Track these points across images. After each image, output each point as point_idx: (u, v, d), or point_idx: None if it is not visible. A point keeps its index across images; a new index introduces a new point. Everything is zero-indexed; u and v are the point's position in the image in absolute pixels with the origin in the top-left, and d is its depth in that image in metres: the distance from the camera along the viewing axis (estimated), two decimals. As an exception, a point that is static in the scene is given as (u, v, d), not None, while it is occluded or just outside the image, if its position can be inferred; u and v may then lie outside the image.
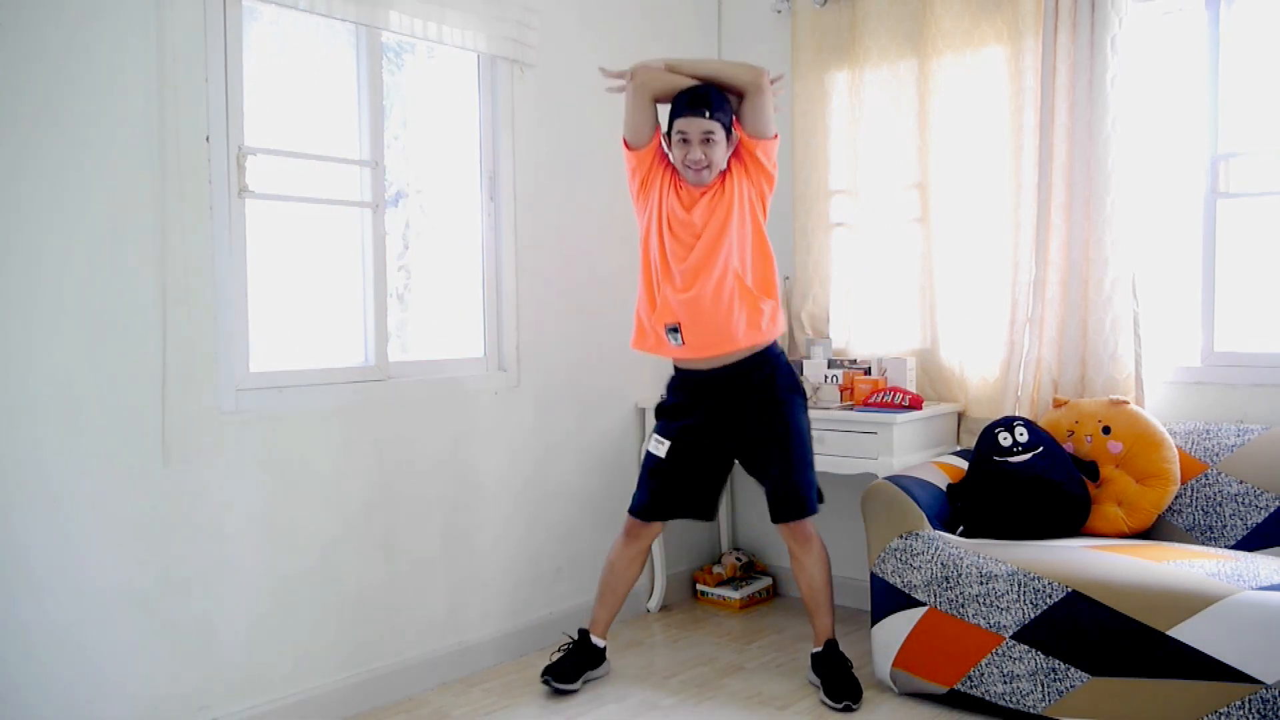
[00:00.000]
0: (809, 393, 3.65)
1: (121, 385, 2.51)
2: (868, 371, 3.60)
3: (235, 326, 2.73)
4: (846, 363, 3.65)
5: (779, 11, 4.03)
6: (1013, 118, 3.46)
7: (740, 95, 2.97)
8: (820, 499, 3.08)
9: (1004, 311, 3.50)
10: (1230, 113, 3.24)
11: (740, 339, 2.96)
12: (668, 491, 3.12)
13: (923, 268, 3.70)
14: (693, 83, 2.97)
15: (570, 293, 3.66)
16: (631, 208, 3.12)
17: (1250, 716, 2.37)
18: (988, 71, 3.51)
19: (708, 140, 2.91)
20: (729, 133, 2.96)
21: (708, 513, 3.21)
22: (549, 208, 3.56)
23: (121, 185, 2.50)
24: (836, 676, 3.02)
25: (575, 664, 3.14)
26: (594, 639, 3.20)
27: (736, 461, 3.16)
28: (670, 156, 3.02)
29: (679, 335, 2.97)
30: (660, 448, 3.10)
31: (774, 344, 3.06)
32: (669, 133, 2.99)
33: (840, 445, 3.42)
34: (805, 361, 3.71)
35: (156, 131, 2.55)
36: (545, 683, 3.09)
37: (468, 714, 3.00)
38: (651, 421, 3.39)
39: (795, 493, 3.02)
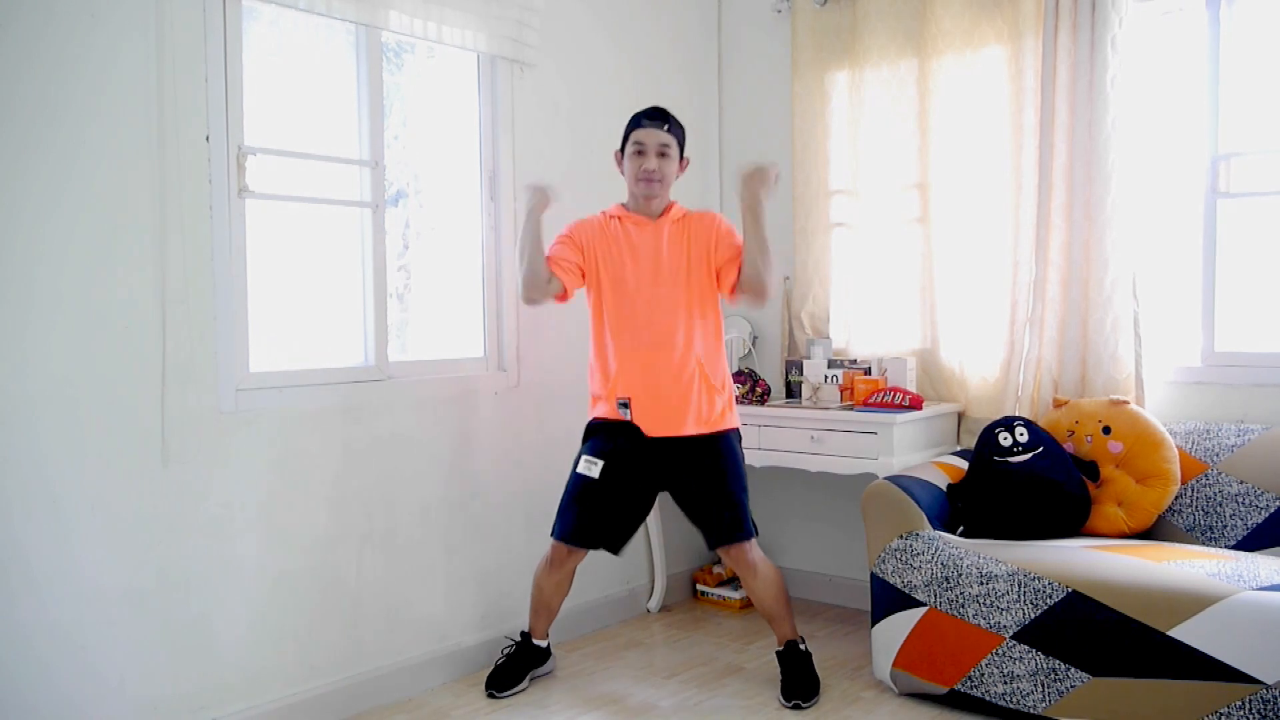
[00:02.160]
0: (808, 393, 3.65)
1: (121, 385, 2.51)
2: (868, 371, 3.60)
3: (235, 326, 2.73)
4: (846, 363, 3.65)
5: (779, 11, 4.03)
6: (1013, 118, 3.46)
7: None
8: (755, 531, 3.04)
9: (1004, 311, 3.50)
10: (1230, 113, 3.24)
11: (688, 427, 2.96)
12: (597, 516, 3.02)
13: (923, 268, 3.70)
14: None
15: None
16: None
17: (1250, 716, 2.37)
18: (988, 71, 3.51)
19: (663, 153, 2.98)
20: (681, 154, 3.04)
21: (620, 545, 3.10)
22: (549, 208, 3.55)
23: (121, 185, 2.50)
24: (792, 674, 3.04)
25: (518, 666, 3.14)
26: (535, 641, 3.20)
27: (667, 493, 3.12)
28: (589, 228, 3.06)
29: (628, 410, 2.98)
30: (593, 468, 2.98)
31: (733, 430, 3.07)
32: (623, 146, 3.04)
33: (840, 445, 3.42)
34: (805, 361, 3.71)
35: (156, 131, 2.55)
36: (489, 695, 3.07)
37: (468, 714, 3.00)
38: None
39: (735, 518, 2.98)
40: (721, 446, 3.02)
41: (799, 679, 3.03)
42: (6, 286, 2.33)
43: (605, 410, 3.04)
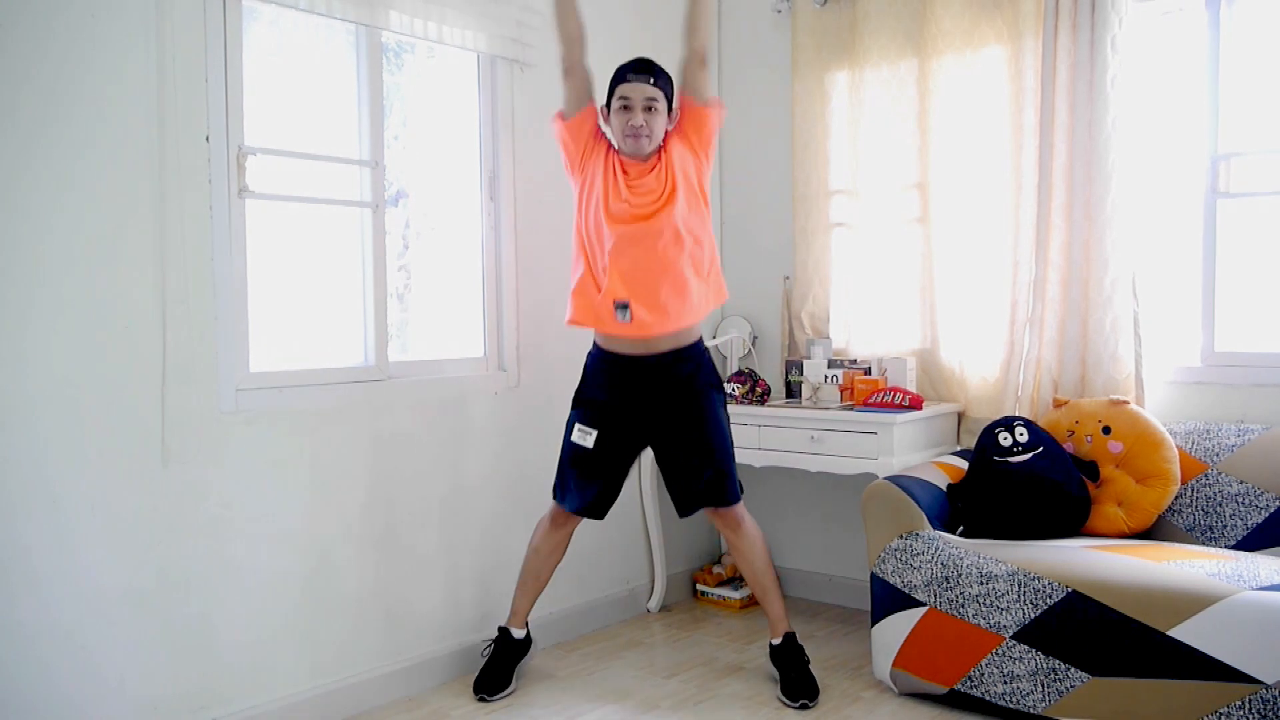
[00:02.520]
0: (808, 393, 3.65)
1: (121, 385, 2.51)
2: (868, 371, 3.60)
3: (235, 326, 2.73)
4: (846, 363, 3.65)
5: (779, 11, 4.03)
6: (1013, 118, 3.46)
7: (695, 58, 2.97)
8: (741, 490, 3.08)
9: (1004, 311, 3.50)
10: (1230, 113, 3.24)
11: (677, 319, 2.92)
12: (596, 481, 3.06)
13: (923, 268, 3.70)
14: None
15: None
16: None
17: (1250, 716, 2.37)
18: (988, 71, 3.51)
19: (650, 108, 2.89)
20: (669, 106, 2.94)
21: (604, 510, 3.13)
22: (549, 208, 3.55)
23: (121, 185, 2.50)
24: (794, 673, 3.04)
25: (503, 666, 3.13)
26: (514, 632, 3.17)
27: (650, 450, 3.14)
28: (608, 132, 3.00)
29: (628, 312, 2.89)
30: (587, 438, 3.01)
31: (699, 340, 3.07)
32: (608, 101, 2.97)
33: (840, 445, 3.42)
34: (805, 362, 3.71)
35: (156, 131, 2.55)
36: (480, 699, 3.06)
37: (468, 714, 3.00)
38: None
39: (720, 480, 3.01)
40: (706, 406, 3.01)
41: (802, 676, 3.03)
42: (7, 286, 2.33)
43: (593, 318, 2.96)
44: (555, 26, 3.00)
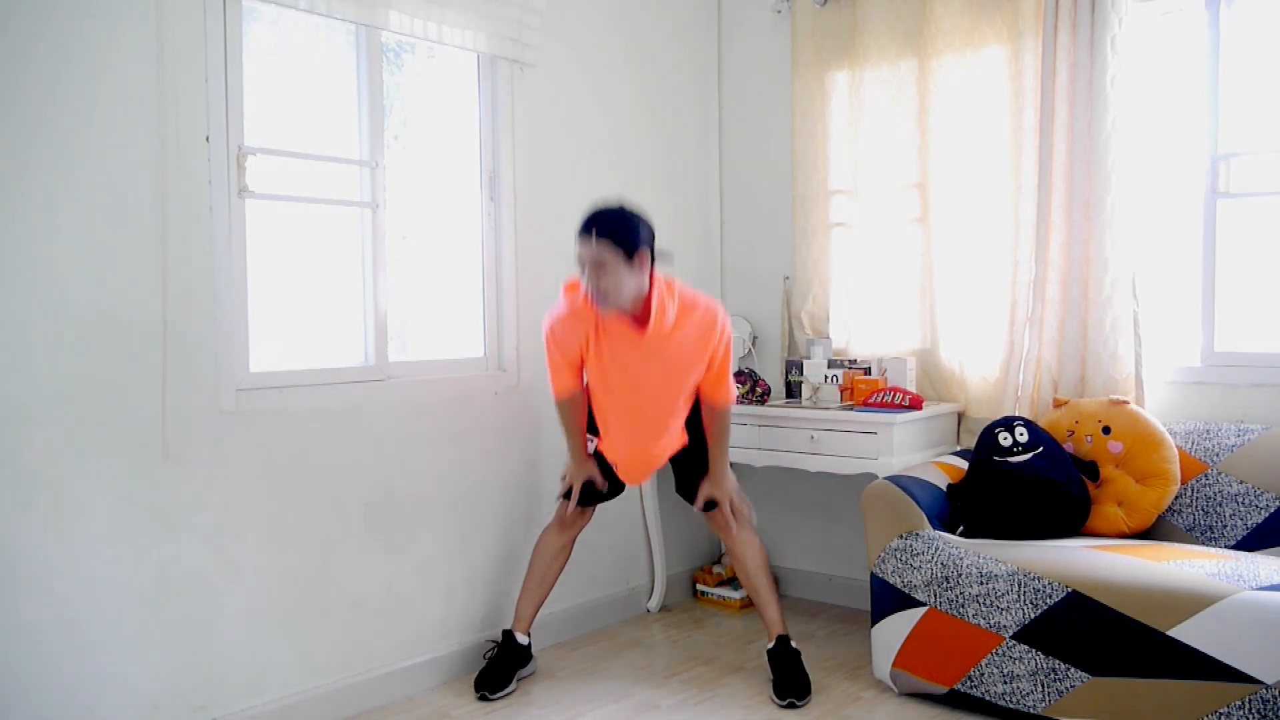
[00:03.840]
0: (808, 393, 3.65)
1: (122, 385, 2.51)
2: (868, 371, 3.60)
3: (235, 326, 2.73)
4: (846, 363, 3.65)
5: (779, 11, 4.03)
6: (1013, 118, 3.46)
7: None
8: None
9: (1004, 311, 3.50)
10: (1230, 113, 3.24)
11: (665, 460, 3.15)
12: (603, 477, 3.19)
13: (923, 268, 3.70)
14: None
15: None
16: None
17: (1250, 716, 2.37)
18: (988, 71, 3.51)
19: (600, 265, 2.77)
20: (630, 254, 2.79)
21: (606, 496, 3.26)
22: (549, 208, 3.55)
23: (121, 185, 2.50)
24: (786, 673, 3.05)
25: (505, 666, 3.13)
26: (518, 637, 3.18)
27: None
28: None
29: (593, 444, 3.15)
30: (591, 444, 3.17)
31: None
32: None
33: (840, 445, 3.42)
34: (805, 361, 3.71)
35: (156, 131, 2.55)
36: (481, 697, 3.06)
37: (468, 714, 3.00)
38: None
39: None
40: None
41: (794, 676, 3.04)
42: (8, 286, 2.33)
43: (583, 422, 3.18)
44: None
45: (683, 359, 2.96)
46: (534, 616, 3.24)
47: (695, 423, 3.12)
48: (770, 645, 3.14)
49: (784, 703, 2.99)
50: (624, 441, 3.09)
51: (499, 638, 3.23)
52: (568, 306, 2.97)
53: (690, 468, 3.19)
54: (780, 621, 3.16)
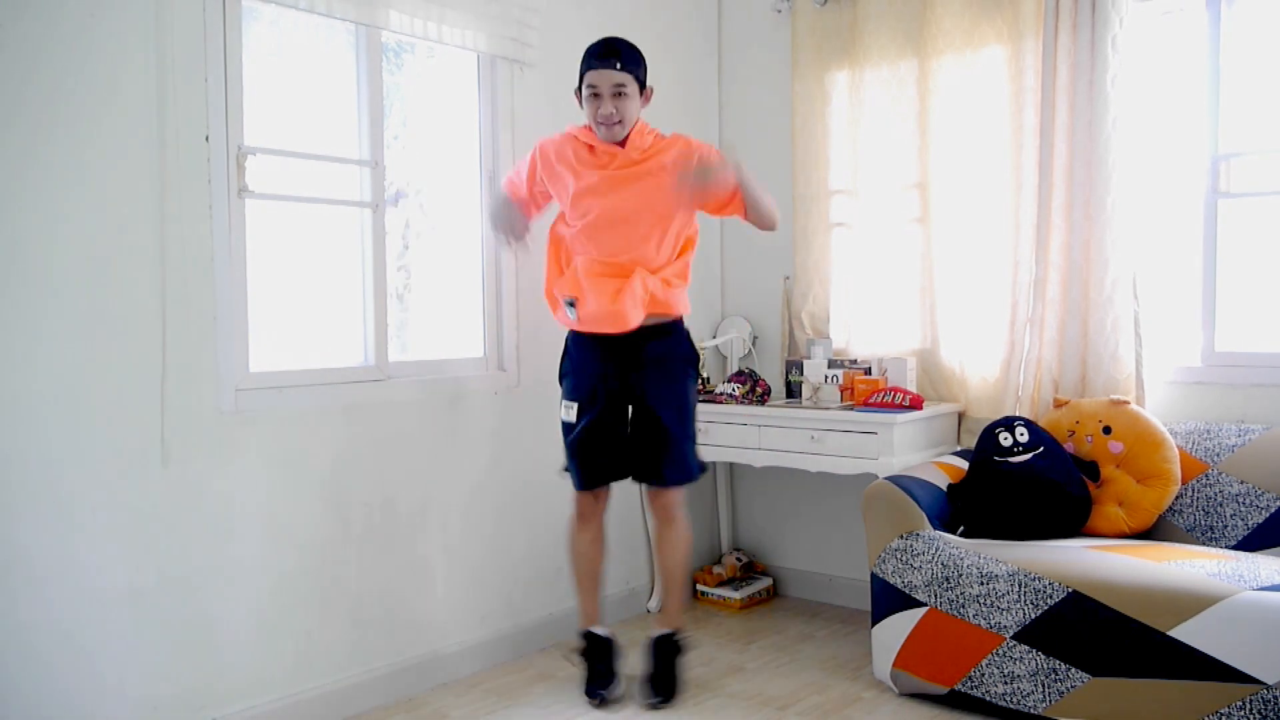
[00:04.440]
0: (808, 393, 3.65)
1: (121, 385, 2.51)
2: (868, 371, 3.60)
3: (235, 326, 2.73)
4: (846, 363, 3.65)
5: (779, 11, 4.03)
6: (1013, 118, 3.45)
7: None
8: (702, 469, 3.10)
9: (1004, 311, 3.50)
10: (1231, 113, 3.24)
11: (635, 320, 2.92)
12: (597, 454, 3.04)
13: (923, 268, 3.70)
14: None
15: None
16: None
17: (1251, 717, 2.37)
18: (988, 71, 3.51)
19: (619, 94, 2.86)
20: (642, 87, 2.94)
21: (612, 476, 3.10)
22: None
23: (121, 185, 2.50)
24: (662, 669, 3.05)
25: (605, 665, 3.10)
26: (598, 632, 3.16)
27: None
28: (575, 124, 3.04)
29: (574, 310, 2.94)
30: (570, 412, 3.03)
31: (680, 318, 3.07)
32: (579, 86, 2.96)
33: (840, 445, 3.42)
34: (805, 362, 3.71)
35: (156, 131, 2.55)
36: (598, 702, 3.02)
37: (468, 714, 3.00)
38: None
39: (681, 458, 3.01)
40: (679, 383, 3.02)
41: (667, 673, 3.05)
42: (8, 286, 2.33)
43: (562, 309, 3.02)
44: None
45: (659, 183, 2.90)
46: (598, 607, 3.18)
47: (656, 399, 3.00)
48: (657, 634, 3.11)
49: (650, 700, 2.99)
50: (597, 284, 2.92)
51: (580, 643, 3.17)
52: (566, 130, 3.04)
53: (636, 432, 3.06)
54: (680, 615, 3.14)
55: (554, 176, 3.03)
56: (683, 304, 3.06)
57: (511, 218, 3.05)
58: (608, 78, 2.86)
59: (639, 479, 3.10)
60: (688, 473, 3.06)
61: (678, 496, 3.08)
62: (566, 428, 3.08)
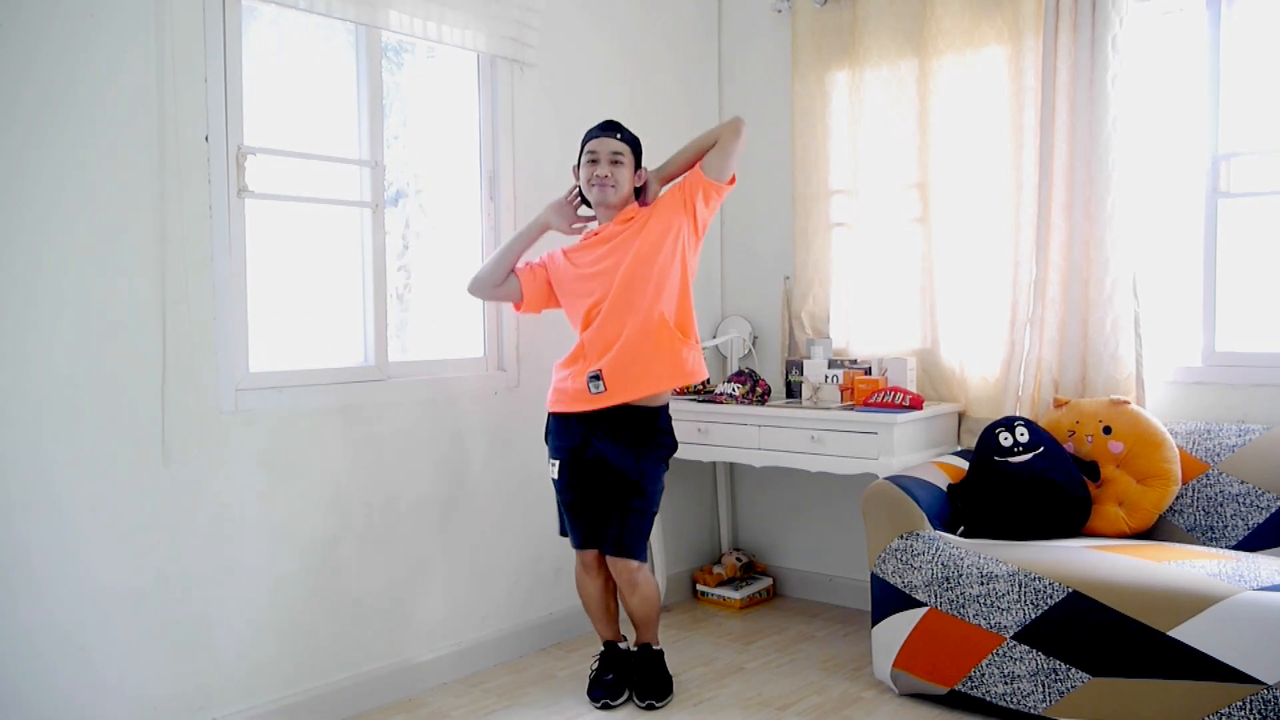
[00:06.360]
0: (809, 393, 3.65)
1: (121, 385, 2.51)
2: (868, 371, 3.59)
3: (235, 326, 2.73)
4: (846, 363, 3.65)
5: (779, 11, 4.03)
6: (1013, 118, 3.45)
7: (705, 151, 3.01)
8: (644, 556, 3.03)
9: (1004, 311, 3.50)
10: (1231, 113, 3.24)
11: (663, 382, 2.95)
12: (588, 515, 3.04)
13: (923, 268, 3.70)
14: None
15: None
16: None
17: (1251, 717, 2.37)
18: (988, 71, 3.51)
19: (615, 161, 2.97)
20: (637, 162, 3.02)
21: (602, 541, 3.05)
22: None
23: (121, 185, 2.50)
24: (647, 674, 3.06)
25: (616, 675, 3.08)
26: (619, 645, 3.16)
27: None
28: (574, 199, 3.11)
29: (600, 382, 2.92)
30: (553, 469, 3.05)
31: (665, 406, 3.04)
32: (578, 161, 3.03)
33: (840, 445, 3.41)
34: (806, 362, 3.71)
35: (156, 131, 2.55)
36: (600, 706, 3.03)
37: (468, 714, 3.00)
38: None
39: (634, 537, 2.97)
40: (652, 462, 2.99)
41: (656, 678, 3.06)
42: (8, 287, 2.33)
43: (569, 399, 2.99)
44: (482, 271, 3.13)
45: (657, 227, 2.94)
46: (618, 631, 3.18)
47: (628, 481, 2.98)
48: (633, 648, 3.13)
49: (644, 703, 3.01)
50: (604, 337, 2.94)
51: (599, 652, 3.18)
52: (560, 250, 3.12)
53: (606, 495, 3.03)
54: (653, 639, 3.12)
55: (560, 281, 3.08)
56: (695, 372, 3.02)
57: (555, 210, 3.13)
58: (607, 145, 2.98)
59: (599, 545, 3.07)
60: (634, 552, 2.98)
61: (635, 568, 3.00)
62: (555, 485, 3.08)
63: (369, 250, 3.09)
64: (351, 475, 3.00)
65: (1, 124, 2.32)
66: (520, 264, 3.13)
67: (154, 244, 2.56)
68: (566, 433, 3.03)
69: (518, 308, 3.17)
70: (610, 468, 2.99)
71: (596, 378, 2.92)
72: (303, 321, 3.01)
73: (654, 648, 3.11)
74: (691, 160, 3.03)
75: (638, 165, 3.04)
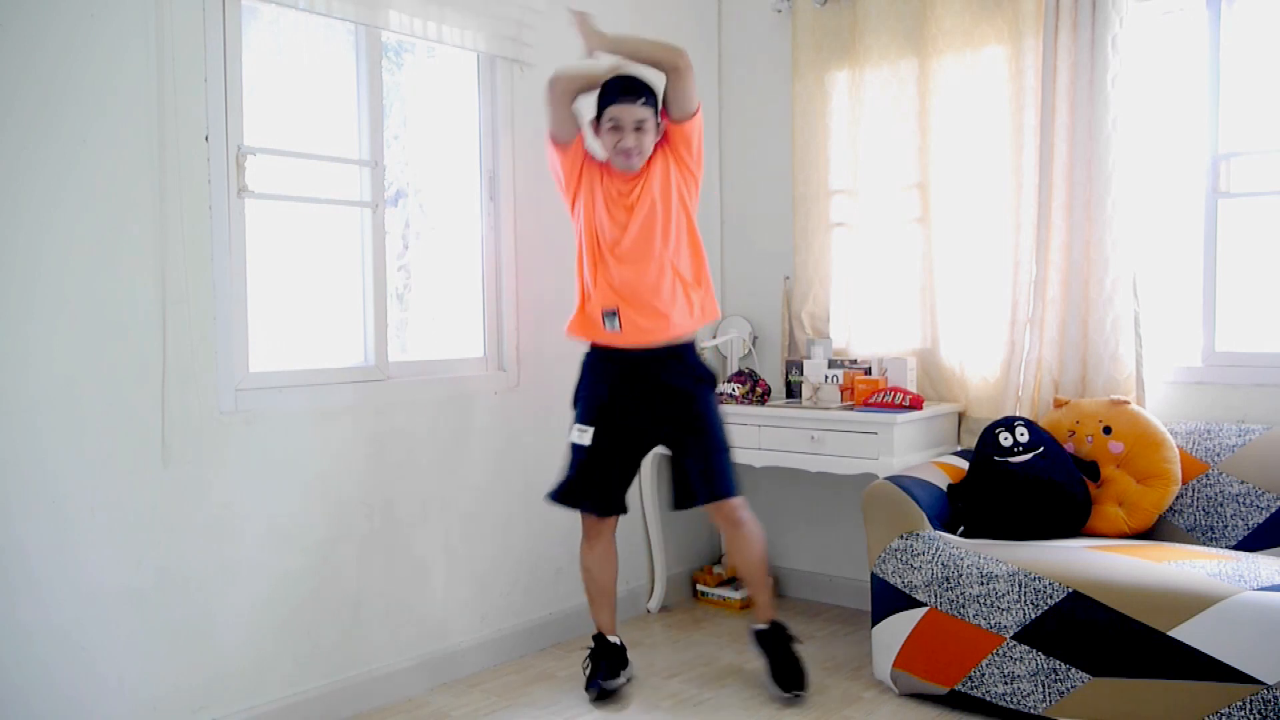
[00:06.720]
0: (809, 393, 3.65)
1: (121, 385, 2.51)
2: (868, 371, 3.60)
3: (235, 326, 2.73)
4: (847, 363, 3.65)
5: (779, 11, 4.03)
6: (1013, 118, 3.45)
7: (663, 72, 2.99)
8: (737, 486, 3.05)
9: (1004, 311, 3.50)
10: (1231, 112, 3.24)
11: (674, 327, 2.99)
12: (607, 480, 3.07)
13: (923, 268, 3.70)
14: (608, 69, 3.01)
15: (570, 293, 3.64)
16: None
17: (1251, 717, 2.37)
18: (988, 71, 3.51)
19: (639, 127, 2.95)
20: (657, 122, 3.00)
21: (619, 505, 3.13)
22: (549, 208, 3.54)
23: (121, 185, 2.50)
24: (781, 658, 3.05)
25: (610, 663, 3.11)
26: (609, 638, 3.17)
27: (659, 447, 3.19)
28: (591, 147, 3.06)
29: (616, 320, 2.97)
30: (584, 436, 3.03)
31: (691, 343, 3.10)
32: (598, 118, 3.00)
33: (840, 445, 3.42)
34: (806, 362, 3.71)
35: (156, 131, 2.55)
36: (596, 693, 3.04)
37: (467, 714, 3.00)
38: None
39: (719, 474, 3.00)
40: (699, 402, 3.02)
41: (790, 663, 3.04)
42: (8, 287, 2.33)
43: (588, 328, 3.04)
44: (556, 99, 3.03)
45: (659, 182, 2.98)
46: (613, 620, 3.21)
47: (692, 428, 3.02)
48: (762, 627, 3.12)
49: (789, 694, 2.99)
50: (626, 280, 2.98)
51: (590, 646, 3.19)
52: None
53: (673, 459, 3.11)
54: (772, 607, 3.14)
55: (585, 181, 3.06)
56: (704, 315, 3.07)
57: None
58: (631, 113, 2.93)
59: (679, 502, 3.10)
60: (726, 488, 3.02)
61: (735, 506, 3.04)
62: (577, 449, 3.06)
63: (369, 250, 3.09)
64: (351, 475, 3.00)
65: (1, 124, 2.31)
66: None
67: (154, 244, 2.55)
68: (604, 386, 3.03)
69: (554, 142, 3.06)
70: (664, 429, 3.03)
71: (613, 315, 2.97)
72: (303, 321, 3.01)
73: (780, 627, 3.10)
74: (646, 60, 2.99)
75: (658, 121, 3.00)
